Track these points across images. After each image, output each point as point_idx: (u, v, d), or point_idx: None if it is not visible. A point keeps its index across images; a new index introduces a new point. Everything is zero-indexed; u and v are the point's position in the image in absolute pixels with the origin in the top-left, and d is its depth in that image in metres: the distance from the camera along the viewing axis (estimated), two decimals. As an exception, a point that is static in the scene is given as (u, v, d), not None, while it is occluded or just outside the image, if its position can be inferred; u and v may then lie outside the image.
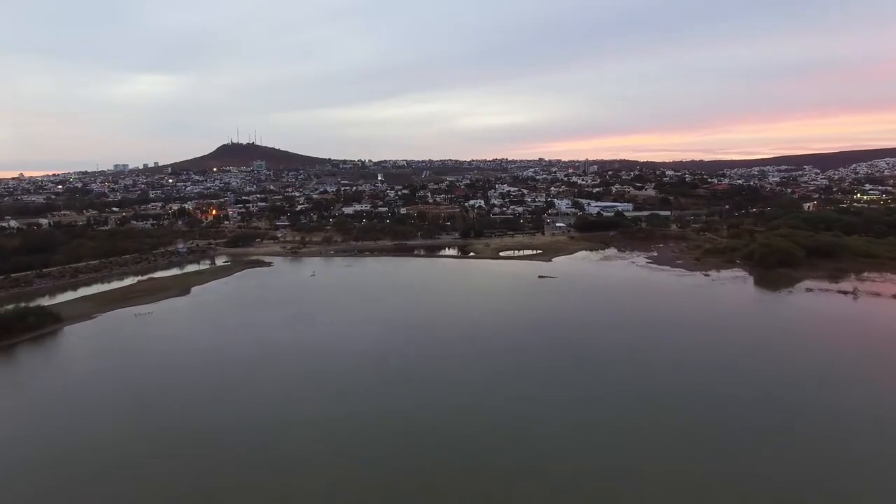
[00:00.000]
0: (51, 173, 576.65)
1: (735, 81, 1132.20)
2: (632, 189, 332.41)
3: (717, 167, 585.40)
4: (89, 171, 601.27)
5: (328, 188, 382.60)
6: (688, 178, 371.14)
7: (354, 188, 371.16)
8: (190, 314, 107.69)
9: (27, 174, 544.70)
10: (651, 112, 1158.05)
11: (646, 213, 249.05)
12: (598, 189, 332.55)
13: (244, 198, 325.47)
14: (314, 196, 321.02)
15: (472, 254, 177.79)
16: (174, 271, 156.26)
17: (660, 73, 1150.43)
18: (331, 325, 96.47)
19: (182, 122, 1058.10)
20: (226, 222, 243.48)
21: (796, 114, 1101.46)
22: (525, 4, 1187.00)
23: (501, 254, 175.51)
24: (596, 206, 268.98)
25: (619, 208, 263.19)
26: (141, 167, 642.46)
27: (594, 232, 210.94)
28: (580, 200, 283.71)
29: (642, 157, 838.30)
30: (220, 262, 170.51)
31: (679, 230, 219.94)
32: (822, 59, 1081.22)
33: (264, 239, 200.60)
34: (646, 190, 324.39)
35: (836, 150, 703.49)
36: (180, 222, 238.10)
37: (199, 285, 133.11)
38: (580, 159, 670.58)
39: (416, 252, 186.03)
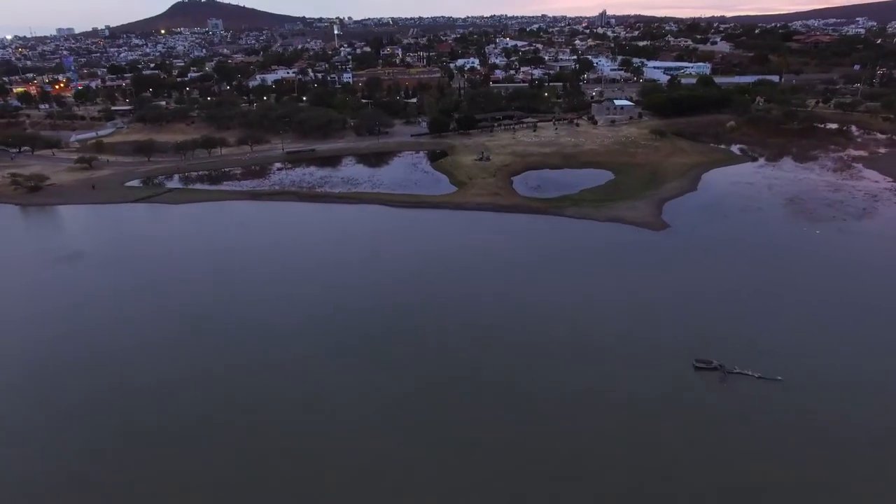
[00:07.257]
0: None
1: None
2: (690, 42, 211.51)
3: (748, 23, 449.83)
4: (28, 36, 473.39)
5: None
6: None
7: (303, 47, 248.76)
8: None
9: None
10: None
11: (748, 78, 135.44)
12: (644, 43, 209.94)
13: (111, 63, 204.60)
14: (230, 61, 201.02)
15: (447, 179, 70.02)
16: None
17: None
18: None
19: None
20: (43, 106, 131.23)
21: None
22: None
23: (515, 182, 68.09)
24: (656, 68, 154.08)
25: (692, 70, 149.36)
26: (90, 30, 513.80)
27: (687, 117, 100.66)
28: (630, 59, 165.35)
29: (656, 13, 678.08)
30: None
31: (829, 111, 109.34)
32: None
33: (36, 149, 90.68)
34: (714, 44, 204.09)
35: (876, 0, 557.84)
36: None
37: None
38: (587, 15, 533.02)
39: (333, 170, 78.44)
